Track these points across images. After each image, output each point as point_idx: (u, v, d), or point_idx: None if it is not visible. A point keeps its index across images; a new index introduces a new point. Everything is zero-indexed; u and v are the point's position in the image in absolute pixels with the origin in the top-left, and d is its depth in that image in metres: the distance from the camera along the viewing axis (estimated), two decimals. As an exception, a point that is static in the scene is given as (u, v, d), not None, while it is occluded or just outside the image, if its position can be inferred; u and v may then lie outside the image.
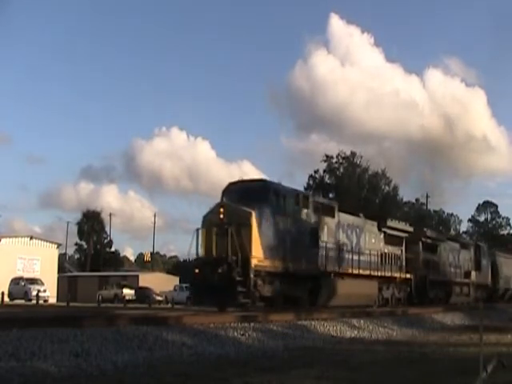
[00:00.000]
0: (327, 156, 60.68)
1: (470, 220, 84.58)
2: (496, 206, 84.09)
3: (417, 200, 66.94)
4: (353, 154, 60.72)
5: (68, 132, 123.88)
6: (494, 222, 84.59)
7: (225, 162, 78.28)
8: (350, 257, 22.85)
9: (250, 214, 17.80)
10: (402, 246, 27.30)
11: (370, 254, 24.27)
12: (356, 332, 14.44)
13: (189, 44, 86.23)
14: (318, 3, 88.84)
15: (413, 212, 63.16)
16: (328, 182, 60.58)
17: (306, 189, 57.63)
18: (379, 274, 24.55)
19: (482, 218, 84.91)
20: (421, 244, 29.56)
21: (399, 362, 9.45)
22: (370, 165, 60.12)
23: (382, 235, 25.83)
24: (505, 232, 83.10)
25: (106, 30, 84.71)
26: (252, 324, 12.66)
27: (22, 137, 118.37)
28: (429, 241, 30.77)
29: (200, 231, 18.49)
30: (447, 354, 10.83)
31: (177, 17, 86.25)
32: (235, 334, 11.38)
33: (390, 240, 26.14)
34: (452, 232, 63.15)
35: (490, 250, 42.14)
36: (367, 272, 23.78)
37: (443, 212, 76.70)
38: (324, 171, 60.91)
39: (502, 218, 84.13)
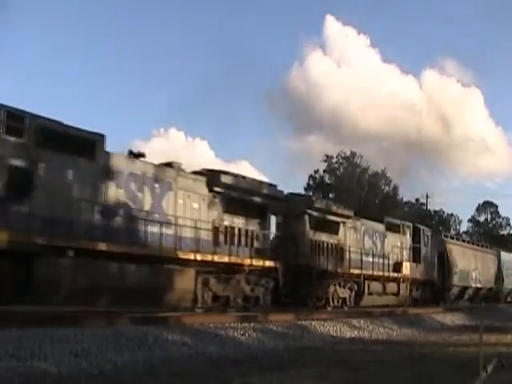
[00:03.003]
0: (327, 156, 60.65)
1: (470, 220, 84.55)
2: (496, 206, 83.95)
3: (417, 200, 66.85)
4: (353, 154, 60.65)
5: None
6: (493, 222, 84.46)
7: (224, 162, 78.29)
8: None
9: None
10: (263, 219, 18.04)
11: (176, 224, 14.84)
12: (356, 332, 14.44)
13: (188, 44, 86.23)
14: (314, 5, 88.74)
15: (413, 212, 63.06)
16: (328, 182, 60.52)
17: (305, 189, 57.61)
18: (200, 258, 14.99)
19: (482, 218, 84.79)
20: (307, 219, 20.18)
21: (399, 362, 9.45)
22: (369, 165, 60.12)
23: (216, 199, 16.36)
24: (505, 232, 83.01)
25: (105, 31, 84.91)
26: (252, 324, 12.67)
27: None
28: (320, 215, 20.82)
29: None
30: (447, 354, 10.83)
31: (175, 17, 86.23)
32: (235, 333, 11.38)
33: (235, 208, 16.80)
34: (452, 232, 63.04)
35: (437, 235, 32.64)
36: (185, 255, 14.62)
37: (443, 212, 76.71)
38: (324, 171, 60.88)
39: (502, 218, 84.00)
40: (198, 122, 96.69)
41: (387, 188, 61.81)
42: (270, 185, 18.59)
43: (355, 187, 57.09)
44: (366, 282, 22.54)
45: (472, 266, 34.71)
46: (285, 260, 18.07)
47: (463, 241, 37.03)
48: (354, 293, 21.94)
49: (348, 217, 22.54)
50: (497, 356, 8.37)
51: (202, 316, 13.56)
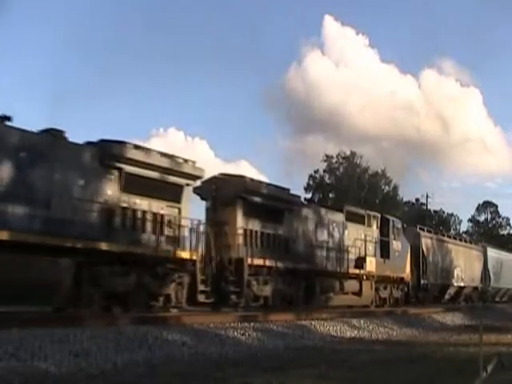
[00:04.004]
0: (327, 156, 60.70)
1: (470, 220, 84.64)
2: (496, 206, 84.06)
3: (417, 200, 66.91)
4: (352, 154, 60.72)
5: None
6: (494, 222, 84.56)
7: (223, 162, 78.23)
8: None
9: None
10: (180, 202, 14.78)
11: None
12: (356, 332, 14.45)
13: (186, 44, 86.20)
14: (313, 5, 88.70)
15: (413, 212, 63.07)
16: (328, 181, 60.56)
17: (305, 189, 57.65)
18: (82, 245, 11.83)
19: (481, 218, 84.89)
20: (240, 205, 16.99)
21: (399, 362, 9.44)
22: (369, 165, 60.16)
23: (112, 175, 13.30)
24: (505, 232, 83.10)
25: (104, 30, 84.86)
26: (252, 324, 12.68)
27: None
28: (259, 200, 17.57)
29: None
30: (447, 354, 10.83)
31: (173, 17, 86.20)
32: (235, 333, 11.38)
33: (141, 187, 13.69)
34: (452, 232, 63.06)
35: (410, 227, 29.65)
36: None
37: (443, 212, 76.77)
38: (324, 171, 60.93)
39: (502, 218, 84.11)
40: (198, 122, 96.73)
41: (387, 188, 61.88)
42: (188, 161, 14.98)
43: (355, 187, 57.12)
44: (319, 279, 19.51)
45: (454, 262, 31.95)
46: (208, 252, 15.54)
47: (443, 235, 33.50)
48: (302, 291, 18.73)
49: (296, 204, 19.45)
50: (497, 356, 8.36)
51: (202, 316, 13.57)
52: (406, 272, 25.79)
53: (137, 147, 13.66)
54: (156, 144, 68.52)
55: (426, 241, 29.23)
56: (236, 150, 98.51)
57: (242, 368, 8.35)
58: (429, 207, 64.00)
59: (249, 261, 16.34)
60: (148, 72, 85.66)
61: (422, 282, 27.69)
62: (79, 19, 78.42)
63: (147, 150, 13.96)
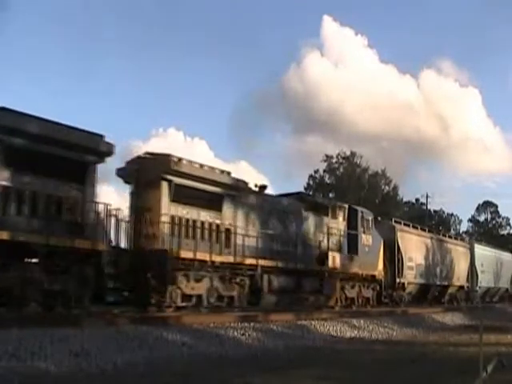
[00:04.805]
0: (327, 156, 60.72)
1: (470, 220, 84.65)
2: (496, 206, 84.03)
3: (417, 200, 66.90)
4: (352, 154, 60.73)
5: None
6: (493, 222, 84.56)
7: (223, 162, 78.33)
8: None
9: None
10: (83, 182, 12.58)
11: None
12: (356, 332, 14.43)
13: (186, 45, 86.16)
14: (311, 6, 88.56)
15: (413, 212, 63.08)
16: (328, 181, 60.57)
17: (306, 189, 57.62)
18: None
19: (481, 218, 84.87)
20: (165, 187, 14.76)
21: (399, 362, 9.45)
22: (369, 165, 60.18)
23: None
24: (505, 232, 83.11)
25: (104, 28, 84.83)
26: (252, 324, 12.67)
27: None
28: (189, 183, 15.26)
29: None
30: (447, 354, 10.83)
31: (172, 17, 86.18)
32: (235, 333, 11.38)
33: (25, 163, 11.56)
34: (452, 232, 63.05)
35: (384, 220, 27.28)
36: None
37: (443, 212, 76.79)
38: (324, 171, 60.95)
39: (502, 218, 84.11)
40: (197, 123, 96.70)
41: (387, 188, 61.88)
42: (95, 136, 12.75)
43: (355, 187, 57.12)
44: (268, 277, 17.25)
45: (435, 259, 29.45)
46: (130, 242, 14.03)
47: (424, 229, 30.88)
48: (246, 290, 16.51)
49: (239, 189, 16.84)
50: (497, 356, 8.36)
51: (202, 316, 13.56)
52: (378, 269, 23.46)
53: (16, 114, 11.45)
54: (156, 144, 68.51)
55: (403, 235, 26.66)
56: (236, 151, 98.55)
57: (242, 368, 8.35)
58: (429, 207, 63.98)
59: (175, 253, 14.17)
60: (147, 72, 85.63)
61: (397, 280, 25.31)
62: (78, 19, 78.48)
63: (38, 121, 11.83)
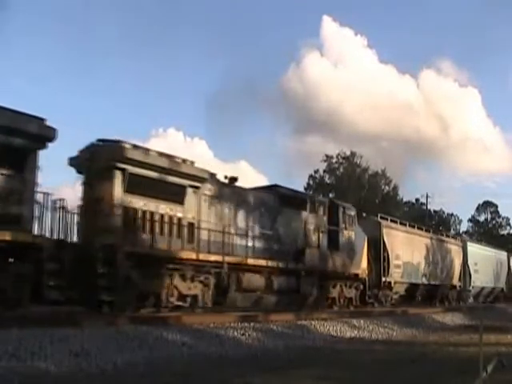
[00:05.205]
0: (327, 156, 60.76)
1: (470, 220, 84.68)
2: (496, 206, 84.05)
3: (417, 200, 66.93)
4: (353, 154, 60.77)
5: (63, 134, 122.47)
6: (493, 222, 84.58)
7: (223, 161, 78.32)
8: None
9: None
10: (21, 170, 11.47)
11: None
12: (356, 332, 14.44)
13: (185, 43, 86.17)
14: (311, 6, 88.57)
15: (413, 212, 63.11)
16: (328, 181, 60.61)
17: (306, 189, 57.64)
18: None
19: (481, 218, 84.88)
20: (119, 177, 13.55)
21: (399, 362, 9.45)
22: (369, 165, 60.22)
23: None
24: (505, 232, 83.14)
25: (102, 30, 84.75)
26: (252, 324, 12.68)
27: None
28: (147, 173, 14.06)
29: None
30: (447, 354, 10.84)
31: (171, 16, 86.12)
32: (235, 333, 11.39)
33: None
34: (452, 232, 63.03)
35: (368, 216, 26.67)
36: None
37: (443, 212, 76.83)
38: (324, 171, 60.99)
39: (502, 218, 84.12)
40: (197, 122, 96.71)
41: (387, 188, 61.91)
42: (34, 119, 11.49)
43: (355, 187, 57.15)
44: (236, 274, 16.01)
45: (426, 258, 28.25)
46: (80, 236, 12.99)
47: (413, 226, 29.27)
48: (211, 289, 15.21)
49: (203, 180, 15.49)
50: (497, 356, 8.36)
51: (202, 316, 13.56)
52: (362, 267, 22.24)
53: None
54: (156, 144, 68.49)
55: (389, 232, 25.36)
56: (235, 151, 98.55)
57: (242, 368, 8.35)
58: (429, 207, 63.98)
59: (128, 248, 12.92)
60: (148, 72, 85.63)
61: (383, 279, 24.04)
62: (78, 18, 78.50)
63: None
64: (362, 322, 15.67)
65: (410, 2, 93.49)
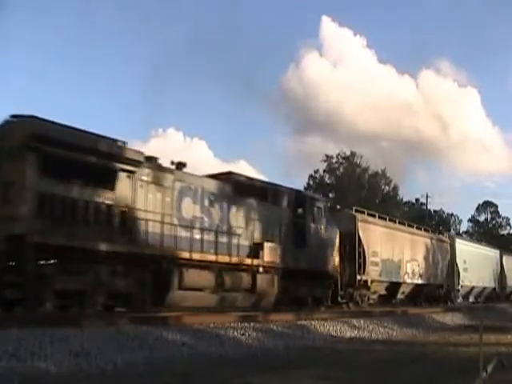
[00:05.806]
0: (327, 156, 60.81)
1: (470, 220, 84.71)
2: (496, 206, 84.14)
3: (417, 200, 66.97)
4: (352, 154, 60.82)
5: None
6: (493, 222, 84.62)
7: (222, 161, 78.23)
8: None
9: None
10: None
11: None
12: (356, 332, 14.44)
13: (185, 43, 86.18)
14: (310, 7, 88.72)
15: (413, 212, 63.12)
16: (328, 181, 60.63)
17: (306, 189, 57.70)
18: None
19: (481, 218, 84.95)
20: (33, 159, 11.69)
21: (399, 362, 9.45)
22: (369, 165, 60.24)
23: None
24: (505, 232, 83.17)
25: (105, 27, 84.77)
26: (252, 324, 12.68)
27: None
28: (69, 154, 12.01)
29: None
30: (447, 354, 10.83)
31: (171, 16, 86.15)
32: (235, 333, 11.38)
33: None
34: (452, 232, 62.99)
35: (341, 209, 24.88)
36: None
37: (443, 212, 76.86)
38: (324, 171, 61.03)
39: (502, 218, 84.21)
40: (197, 122, 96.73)
41: (387, 188, 61.95)
42: None
43: (355, 187, 57.18)
44: (178, 271, 14.33)
45: (407, 255, 26.24)
46: None
47: (394, 221, 27.22)
48: (148, 287, 13.57)
49: (138, 163, 13.72)
50: (497, 356, 8.36)
51: (201, 316, 13.56)
52: (333, 264, 20.29)
53: None
54: (156, 144, 68.47)
55: (366, 226, 23.40)
56: (235, 151, 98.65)
57: (242, 368, 8.35)
58: (429, 207, 64.01)
59: (40, 239, 11.16)
60: (147, 72, 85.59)
61: (358, 277, 22.22)
62: (78, 17, 78.51)
63: None
64: (362, 322, 15.67)
65: (409, 2, 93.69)
